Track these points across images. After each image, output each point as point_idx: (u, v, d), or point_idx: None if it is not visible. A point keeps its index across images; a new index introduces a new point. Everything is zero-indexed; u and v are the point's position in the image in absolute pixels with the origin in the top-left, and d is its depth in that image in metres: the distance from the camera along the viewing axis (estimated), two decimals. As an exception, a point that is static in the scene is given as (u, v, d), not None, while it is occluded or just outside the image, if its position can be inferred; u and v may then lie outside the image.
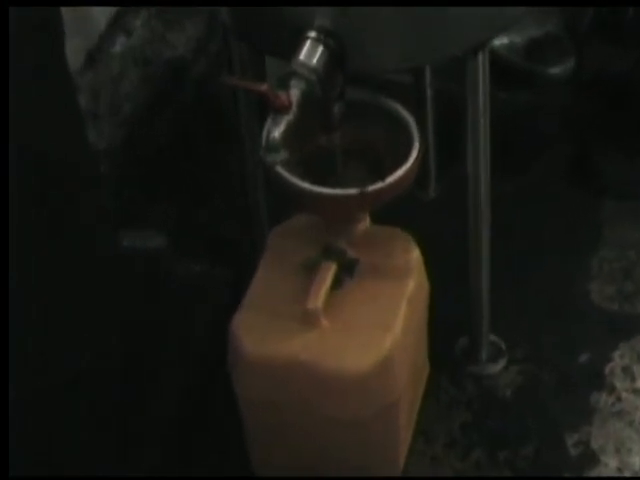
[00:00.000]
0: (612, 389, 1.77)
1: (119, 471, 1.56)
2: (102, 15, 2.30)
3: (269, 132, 1.35)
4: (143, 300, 1.74)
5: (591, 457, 1.69)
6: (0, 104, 1.18)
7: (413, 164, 1.52)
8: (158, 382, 1.72)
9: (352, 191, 1.49)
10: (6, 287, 1.25)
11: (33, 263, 1.33)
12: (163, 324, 1.80)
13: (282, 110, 1.34)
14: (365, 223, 1.59)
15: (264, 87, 1.35)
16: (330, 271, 1.52)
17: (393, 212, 1.56)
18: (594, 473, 1.68)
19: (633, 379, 1.78)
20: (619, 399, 1.76)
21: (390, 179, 1.50)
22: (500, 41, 1.97)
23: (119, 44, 2.29)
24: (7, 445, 1.21)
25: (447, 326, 1.75)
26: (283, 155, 1.37)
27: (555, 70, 2.11)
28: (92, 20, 2.28)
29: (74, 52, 2.17)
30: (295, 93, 1.35)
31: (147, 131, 2.14)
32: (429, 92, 1.88)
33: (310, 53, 1.37)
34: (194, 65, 2.26)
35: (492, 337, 1.81)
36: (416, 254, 1.60)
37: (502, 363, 1.81)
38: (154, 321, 1.77)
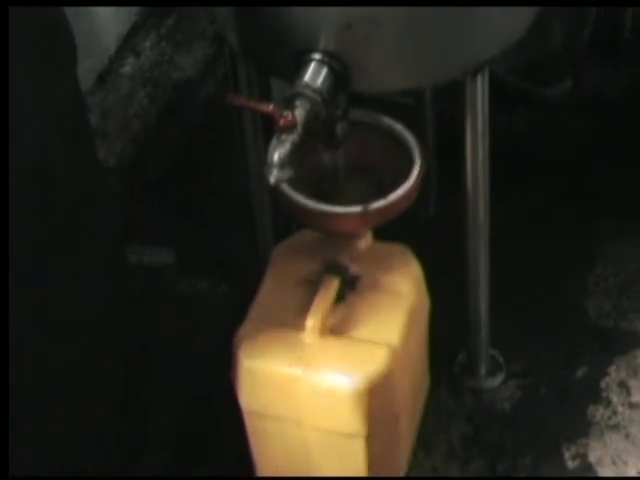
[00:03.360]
0: (608, 403, 1.77)
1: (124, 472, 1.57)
2: (112, 37, 2.31)
3: (274, 151, 1.36)
4: (148, 313, 1.75)
5: (588, 469, 1.69)
6: (2, 119, 1.18)
7: (414, 183, 1.52)
8: (163, 392, 1.72)
9: (355, 209, 1.49)
10: (14, 295, 1.26)
11: (41, 274, 1.33)
12: (169, 336, 1.80)
13: (287, 130, 1.35)
14: (367, 239, 1.58)
15: (270, 107, 1.36)
16: (333, 286, 1.51)
17: (394, 229, 1.56)
18: (592, 485, 1.68)
19: (629, 393, 1.78)
20: (615, 413, 1.76)
21: (392, 197, 1.50)
22: (498, 63, 1.98)
23: (128, 65, 2.31)
24: (7, 445, 1.21)
25: (447, 341, 1.75)
26: (288, 173, 1.37)
27: (552, 91, 2.11)
28: (103, 42, 2.29)
29: (85, 73, 2.19)
30: (300, 113, 1.36)
31: (155, 150, 2.15)
32: (430, 113, 1.89)
33: (315, 75, 1.37)
34: (201, 86, 2.27)
35: (491, 352, 1.81)
36: (417, 270, 1.60)
37: (501, 377, 1.81)
38: (160, 333, 1.77)
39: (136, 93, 2.27)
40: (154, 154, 2.14)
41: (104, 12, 2.27)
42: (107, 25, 2.31)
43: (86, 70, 2.21)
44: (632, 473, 1.68)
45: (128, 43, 2.36)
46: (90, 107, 2.19)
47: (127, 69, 2.32)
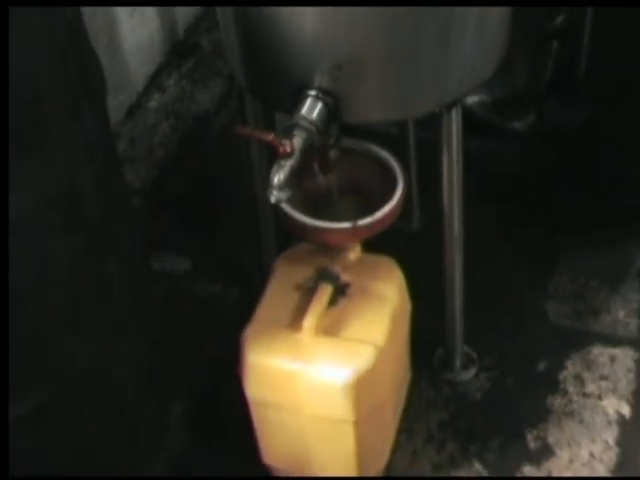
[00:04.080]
0: (565, 393, 1.78)
1: (143, 458, 1.56)
2: (140, 76, 2.33)
3: (275, 174, 1.37)
4: (168, 314, 1.75)
5: (547, 450, 1.72)
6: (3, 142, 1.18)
7: (398, 202, 1.53)
8: (179, 384, 1.72)
9: (346, 224, 1.51)
10: (51, 298, 1.26)
11: (76, 280, 1.33)
12: (185, 334, 1.80)
13: (286, 156, 1.36)
14: (357, 251, 1.60)
15: (271, 136, 1.37)
16: (326, 292, 1.53)
17: (381, 242, 1.57)
18: (550, 464, 1.71)
19: (583, 385, 1.79)
20: (571, 401, 1.77)
21: (378, 214, 1.51)
22: (471, 99, 1.98)
23: (154, 100, 2.32)
24: (7, 445, 1.19)
25: (427, 339, 1.76)
26: (287, 194, 1.38)
27: (518, 124, 2.12)
28: (132, 80, 2.31)
29: (117, 107, 2.20)
30: (298, 141, 1.38)
31: (175, 173, 2.15)
32: (412, 141, 1.89)
33: (310, 108, 1.40)
34: (216, 118, 2.28)
35: (465, 349, 1.84)
36: (400, 278, 1.62)
37: (473, 371, 1.83)
38: (178, 330, 1.77)
39: (160, 124, 2.27)
40: (174, 177, 2.15)
41: (134, 56, 2.29)
42: (136, 66, 2.32)
43: (118, 104, 2.22)
44: (585, 454, 1.70)
45: (154, 81, 2.37)
46: (120, 136, 2.20)
47: (153, 103, 2.32)
